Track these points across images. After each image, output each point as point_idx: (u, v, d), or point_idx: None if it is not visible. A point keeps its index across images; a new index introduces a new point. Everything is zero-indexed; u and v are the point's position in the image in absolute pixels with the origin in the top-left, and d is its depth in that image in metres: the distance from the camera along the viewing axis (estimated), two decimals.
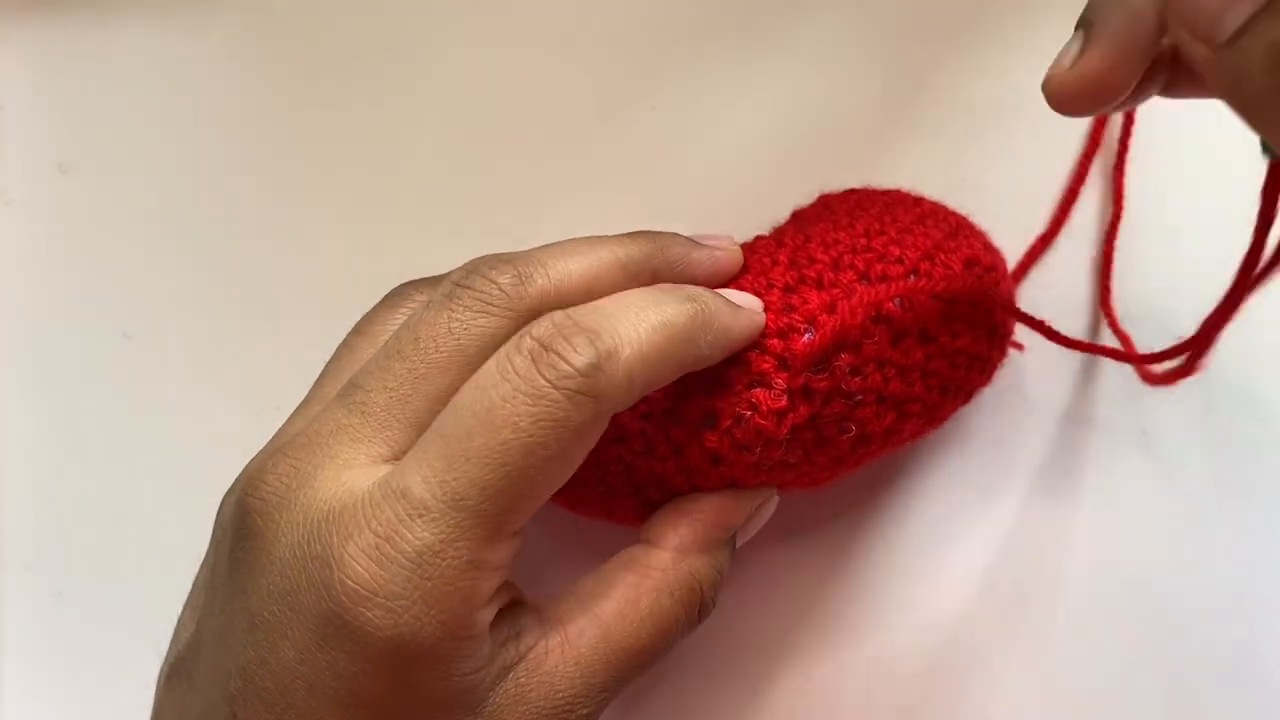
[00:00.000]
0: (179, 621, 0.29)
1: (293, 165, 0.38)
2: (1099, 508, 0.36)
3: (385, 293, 0.30)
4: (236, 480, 0.27)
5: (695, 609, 0.28)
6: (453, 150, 0.38)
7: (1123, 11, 0.24)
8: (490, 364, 0.25)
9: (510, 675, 0.25)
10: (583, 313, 0.26)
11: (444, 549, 0.24)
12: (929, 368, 0.30)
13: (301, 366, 0.31)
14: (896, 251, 0.30)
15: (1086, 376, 0.36)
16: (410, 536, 0.24)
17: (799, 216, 0.33)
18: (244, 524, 0.26)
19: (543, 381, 0.24)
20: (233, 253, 0.38)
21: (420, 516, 0.24)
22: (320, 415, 0.27)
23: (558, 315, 0.26)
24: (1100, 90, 0.24)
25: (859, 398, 0.29)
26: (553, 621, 0.27)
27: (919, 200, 0.33)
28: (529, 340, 0.25)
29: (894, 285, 0.29)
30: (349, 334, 0.30)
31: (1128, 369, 0.35)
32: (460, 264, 0.28)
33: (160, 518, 0.37)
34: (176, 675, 0.27)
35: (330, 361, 0.30)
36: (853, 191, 0.34)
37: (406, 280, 0.30)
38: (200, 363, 0.37)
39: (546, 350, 0.25)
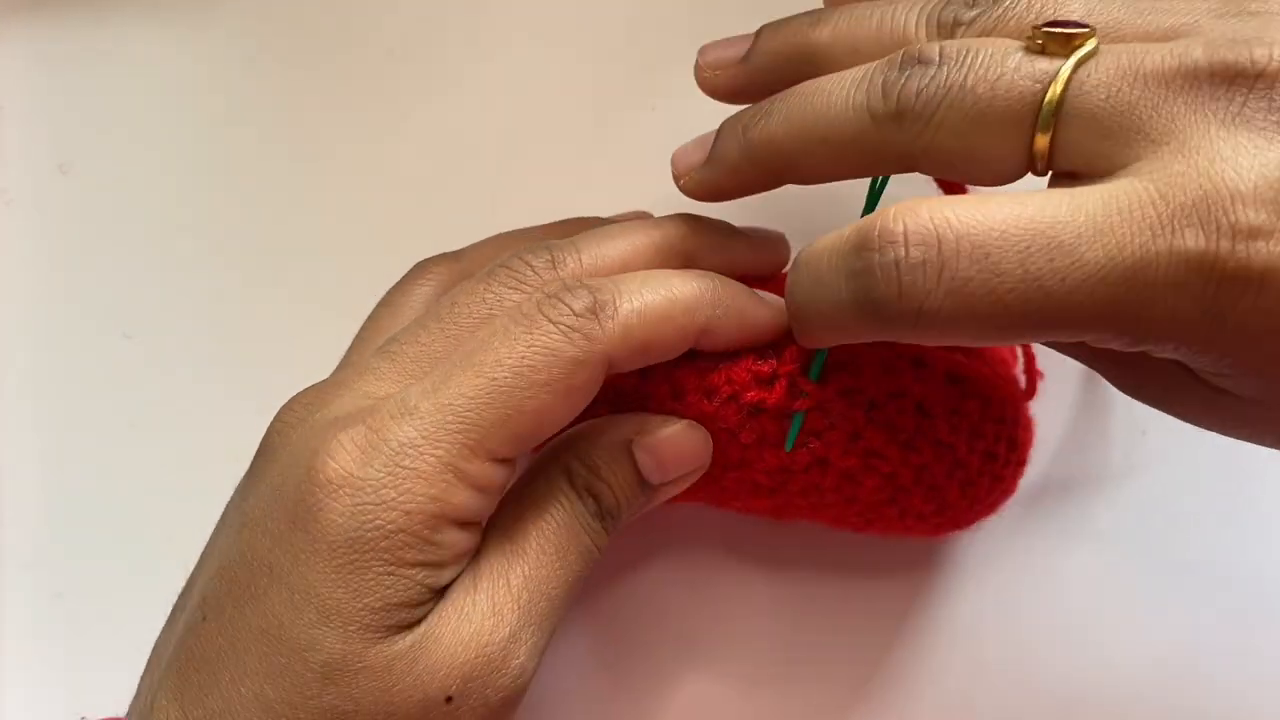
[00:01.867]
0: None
1: (293, 165, 0.38)
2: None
3: (389, 287, 0.32)
4: None
5: (572, 494, 0.28)
6: (453, 150, 0.38)
7: (733, 155, 0.29)
8: (502, 314, 0.27)
9: (441, 600, 0.26)
10: (594, 277, 0.28)
11: (425, 446, 0.25)
12: (914, 441, 0.29)
13: (302, 366, 0.31)
14: None
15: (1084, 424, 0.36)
16: (398, 431, 0.25)
17: None
18: (263, 444, 0.28)
19: (543, 319, 0.26)
20: (233, 253, 0.38)
21: (409, 415, 0.25)
22: (355, 365, 0.28)
23: (570, 279, 0.28)
24: (719, 195, 0.30)
25: (834, 421, 0.29)
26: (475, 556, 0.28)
27: None
28: (539, 294, 0.27)
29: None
30: (375, 307, 0.32)
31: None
32: None
33: (160, 518, 0.37)
34: (173, 609, 0.28)
35: (358, 334, 0.31)
36: None
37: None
38: (200, 363, 0.37)
39: (552, 299, 0.26)
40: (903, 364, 0.29)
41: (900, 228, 0.23)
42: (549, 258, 0.29)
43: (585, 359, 0.26)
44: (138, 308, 0.38)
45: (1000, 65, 0.24)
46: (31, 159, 0.39)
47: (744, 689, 0.35)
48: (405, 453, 0.25)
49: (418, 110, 0.39)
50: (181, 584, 0.29)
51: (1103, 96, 0.23)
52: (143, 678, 0.28)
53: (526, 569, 0.27)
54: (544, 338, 0.26)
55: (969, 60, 0.24)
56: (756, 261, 0.31)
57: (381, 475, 0.25)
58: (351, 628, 0.24)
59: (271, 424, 0.28)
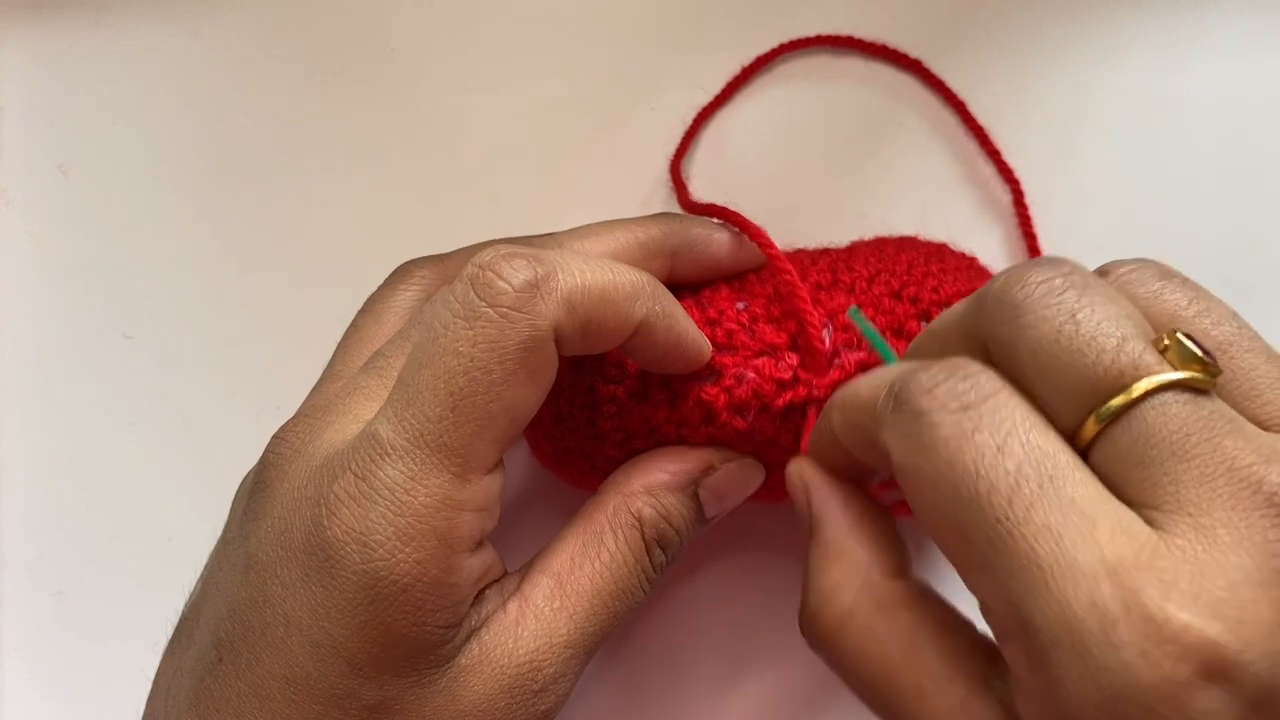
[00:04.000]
0: (190, 592, 0.29)
1: (292, 165, 0.39)
2: None
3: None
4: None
5: (641, 549, 0.28)
6: (452, 151, 0.38)
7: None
8: (436, 297, 0.26)
9: (474, 638, 0.26)
10: (531, 244, 0.27)
11: (413, 486, 0.24)
12: None
13: (301, 367, 0.31)
14: (934, 283, 0.31)
15: None
16: (383, 475, 0.24)
17: (852, 244, 0.34)
18: (260, 477, 0.27)
19: (478, 301, 0.24)
20: (232, 253, 0.38)
21: (387, 456, 0.24)
22: (345, 383, 0.28)
23: (503, 243, 0.26)
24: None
25: None
26: (512, 584, 0.27)
27: (972, 257, 0.34)
28: (471, 266, 0.25)
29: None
30: (357, 313, 0.31)
31: None
32: None
33: (160, 517, 0.37)
34: (178, 636, 0.28)
35: (340, 341, 0.30)
36: (909, 237, 0.34)
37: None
38: (200, 363, 0.37)
39: (484, 270, 0.25)
40: (913, 324, 0.30)
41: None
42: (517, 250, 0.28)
43: (533, 340, 0.24)
44: (138, 308, 0.38)
45: (1115, 323, 0.21)
46: (31, 159, 0.39)
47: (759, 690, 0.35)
48: (398, 497, 0.24)
49: (418, 110, 0.39)
50: (180, 584, 0.29)
51: (1173, 428, 0.20)
52: (151, 708, 0.28)
53: (573, 628, 0.27)
54: (485, 328, 0.24)
55: (1089, 289, 0.22)
56: (735, 259, 0.31)
57: (384, 526, 0.24)
58: (386, 675, 0.24)
59: (266, 454, 0.27)
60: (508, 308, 0.24)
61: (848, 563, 0.24)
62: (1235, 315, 0.23)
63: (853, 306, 0.29)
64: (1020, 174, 0.37)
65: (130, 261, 0.38)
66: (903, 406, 0.22)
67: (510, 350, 0.24)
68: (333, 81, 0.39)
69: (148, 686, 0.28)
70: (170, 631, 0.29)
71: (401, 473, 0.24)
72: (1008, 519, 0.20)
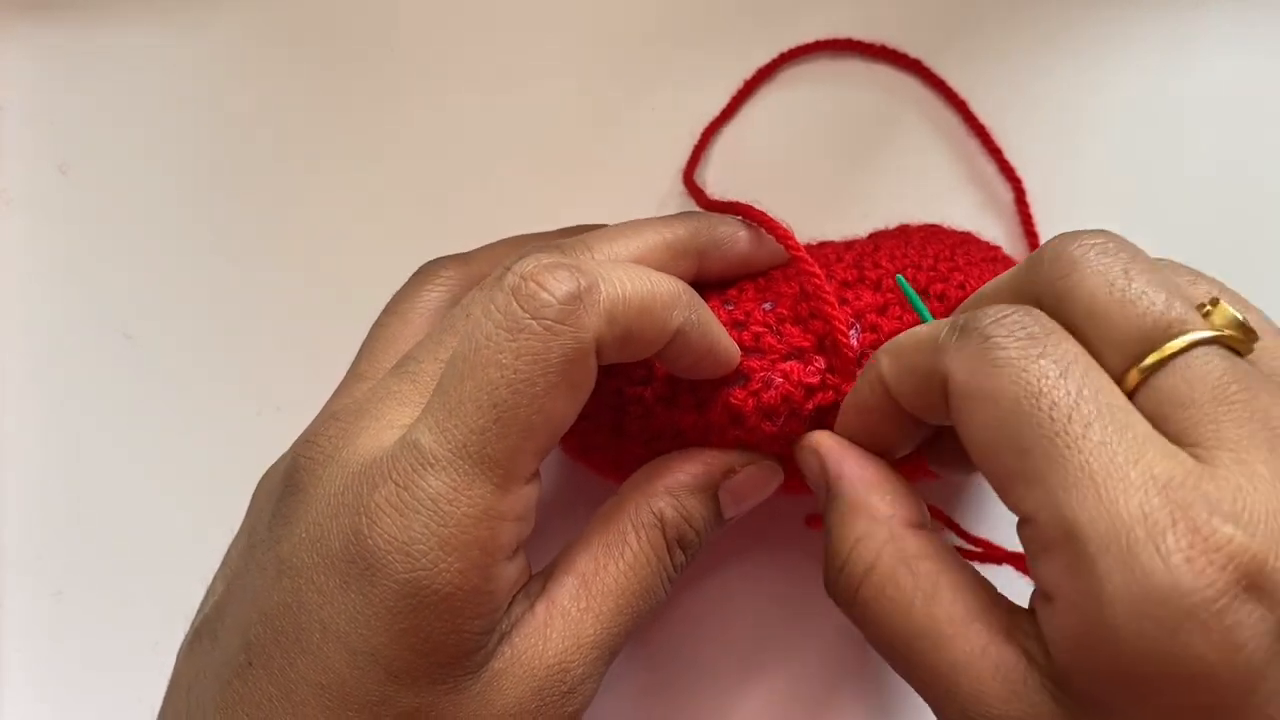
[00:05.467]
0: (208, 590, 0.29)
1: (292, 165, 0.39)
2: None
3: (386, 290, 0.31)
4: (285, 452, 0.28)
5: (663, 549, 0.28)
6: (453, 151, 0.38)
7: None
8: (477, 306, 0.26)
9: (505, 641, 0.26)
10: (571, 252, 0.27)
11: (456, 497, 0.24)
12: None
13: (301, 367, 0.31)
14: (960, 278, 0.31)
15: None
16: (425, 485, 0.24)
17: (875, 234, 0.34)
18: (291, 480, 0.26)
19: (521, 313, 0.24)
20: (233, 253, 0.38)
21: (430, 466, 0.24)
22: (374, 385, 0.28)
23: (544, 253, 0.26)
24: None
25: None
26: (537, 585, 0.27)
27: (994, 246, 0.34)
28: (511, 275, 0.25)
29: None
30: (382, 313, 0.31)
31: None
32: None
33: (160, 517, 0.37)
34: (200, 635, 0.27)
35: (365, 341, 0.30)
36: (933, 225, 0.34)
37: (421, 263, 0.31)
38: (200, 363, 0.37)
39: (527, 281, 0.25)
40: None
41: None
42: (560, 255, 0.27)
43: (576, 353, 0.24)
44: (138, 308, 0.38)
45: (1162, 284, 0.23)
46: (31, 159, 0.39)
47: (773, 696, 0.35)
48: (441, 508, 0.24)
49: (418, 110, 0.39)
50: (180, 584, 0.29)
51: (1216, 376, 0.22)
52: (171, 707, 0.27)
53: (600, 628, 0.27)
54: (529, 340, 0.24)
55: (1137, 254, 0.24)
56: (765, 256, 0.31)
57: (427, 536, 0.24)
58: (423, 682, 0.24)
59: (296, 457, 0.27)
60: (552, 320, 0.24)
61: (869, 516, 0.25)
62: (1259, 310, 0.25)
63: (898, 275, 0.30)
64: (1021, 172, 0.37)
65: (130, 261, 0.38)
66: (970, 333, 0.23)
67: (554, 363, 0.24)
68: (333, 81, 0.39)
69: (147, 686, 0.28)
70: (172, 628, 0.29)
71: (445, 483, 0.24)
72: (1066, 433, 0.21)
